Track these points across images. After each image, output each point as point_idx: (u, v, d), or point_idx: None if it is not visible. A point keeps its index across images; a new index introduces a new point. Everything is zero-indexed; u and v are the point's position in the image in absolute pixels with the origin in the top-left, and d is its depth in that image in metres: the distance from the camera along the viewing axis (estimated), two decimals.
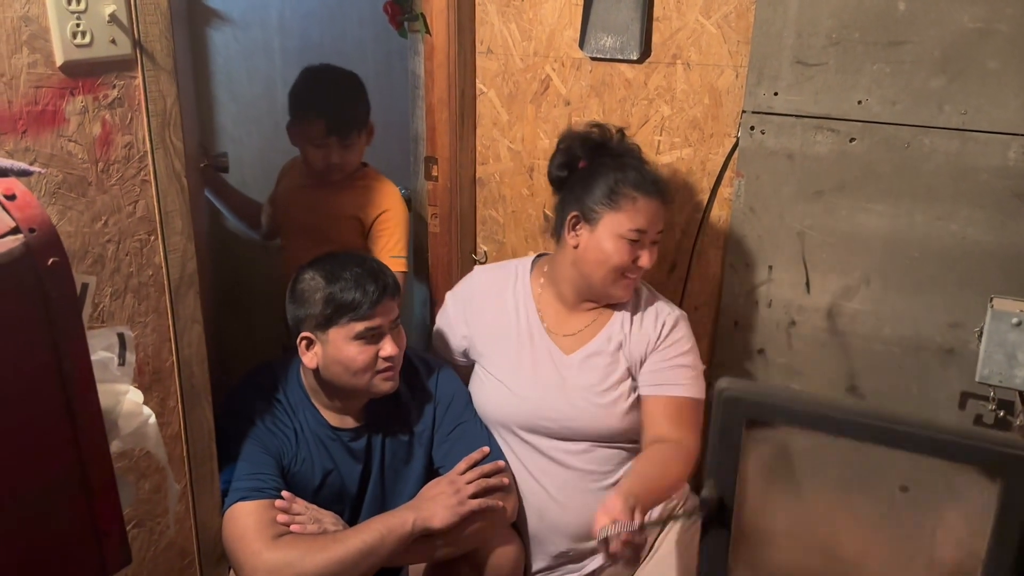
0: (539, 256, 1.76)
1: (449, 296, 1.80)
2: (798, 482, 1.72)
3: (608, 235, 1.54)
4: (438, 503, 1.49)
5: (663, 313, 1.63)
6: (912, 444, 0.98)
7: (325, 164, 1.96)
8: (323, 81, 1.99)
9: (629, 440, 1.62)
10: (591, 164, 1.60)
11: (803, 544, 1.50)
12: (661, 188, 1.57)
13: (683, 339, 1.61)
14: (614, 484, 1.59)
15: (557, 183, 1.67)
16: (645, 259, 1.55)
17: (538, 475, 1.62)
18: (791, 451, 1.70)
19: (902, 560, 1.66)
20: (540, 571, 1.67)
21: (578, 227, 1.58)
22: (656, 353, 1.59)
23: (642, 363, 1.60)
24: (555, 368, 1.62)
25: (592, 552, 1.63)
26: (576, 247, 1.59)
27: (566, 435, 1.60)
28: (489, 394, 1.66)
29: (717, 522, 1.03)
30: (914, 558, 1.67)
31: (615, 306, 1.65)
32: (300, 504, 1.49)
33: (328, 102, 1.93)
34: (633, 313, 1.64)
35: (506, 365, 1.65)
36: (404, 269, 1.97)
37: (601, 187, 1.55)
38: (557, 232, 1.64)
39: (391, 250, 1.96)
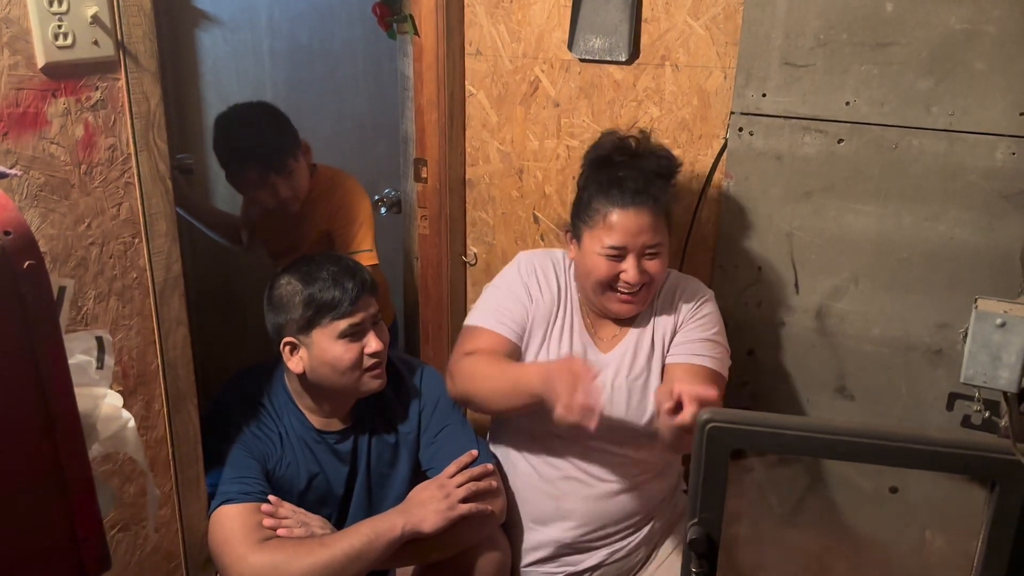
0: None
1: (523, 259, 1.65)
2: (787, 503, 1.72)
3: (589, 251, 1.51)
4: (428, 508, 1.48)
5: (691, 292, 1.62)
6: (905, 459, 0.97)
7: (277, 201, 1.93)
8: (238, 125, 1.94)
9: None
10: (589, 177, 1.56)
11: (795, 568, 1.50)
12: (646, 198, 1.47)
13: (712, 316, 1.60)
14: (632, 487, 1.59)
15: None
16: (629, 274, 1.48)
17: (562, 477, 1.59)
18: (778, 475, 1.70)
19: (894, 563, 1.66)
20: (536, 562, 1.64)
21: (571, 242, 1.58)
22: (685, 326, 1.58)
23: (672, 337, 1.59)
24: (592, 364, 1.56)
25: (592, 547, 1.62)
26: (574, 259, 1.59)
27: (603, 440, 1.56)
28: None
29: (705, 563, 1.01)
30: (906, 559, 1.67)
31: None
32: (287, 508, 1.48)
33: (252, 144, 1.89)
34: (667, 304, 1.61)
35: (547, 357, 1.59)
36: (369, 262, 1.91)
37: (583, 202, 1.53)
38: None
39: (347, 247, 1.93)
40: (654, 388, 1.57)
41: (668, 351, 1.59)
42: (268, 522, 1.43)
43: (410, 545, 1.48)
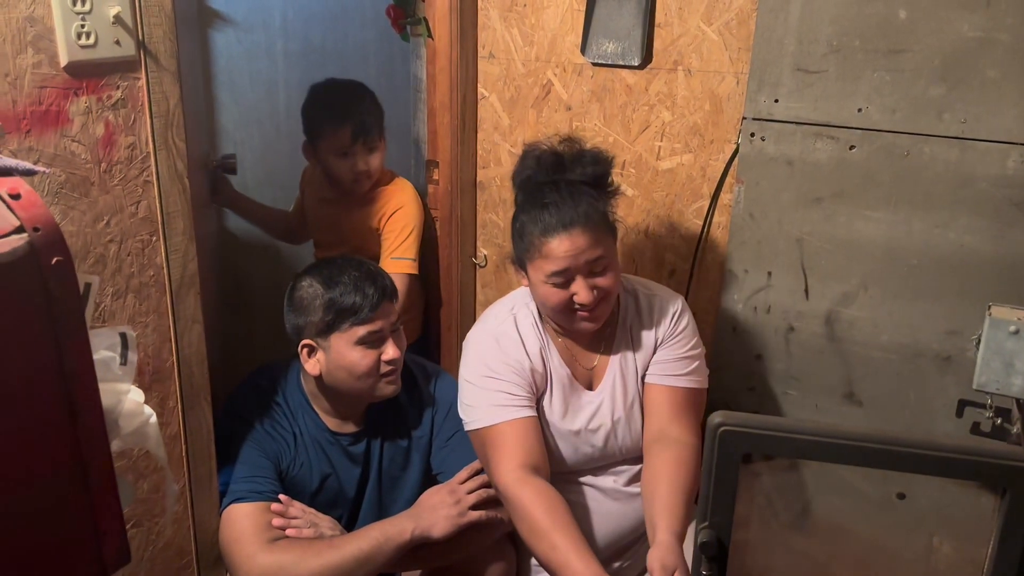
0: None
1: (483, 339, 1.56)
2: (795, 508, 1.72)
3: (536, 282, 1.47)
4: (438, 513, 1.48)
5: (666, 305, 1.59)
6: (915, 465, 0.97)
7: (352, 174, 1.95)
8: (339, 91, 1.99)
9: None
10: (520, 204, 1.52)
11: (802, 573, 1.50)
12: (576, 219, 1.42)
13: (688, 329, 1.59)
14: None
15: None
16: (581, 295, 1.43)
17: (582, 503, 1.58)
18: (787, 479, 1.70)
19: (901, 569, 1.66)
20: None
21: (518, 272, 1.54)
22: (666, 345, 1.57)
23: (653, 355, 1.57)
24: (585, 411, 1.57)
25: (607, 561, 1.60)
26: (527, 286, 1.55)
27: (608, 464, 1.57)
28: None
29: (715, 566, 1.02)
30: (913, 566, 1.68)
31: (613, 323, 1.59)
32: (297, 508, 1.49)
33: (349, 109, 1.93)
34: (636, 323, 1.59)
35: (543, 418, 1.56)
36: (407, 271, 1.93)
37: (515, 234, 1.49)
38: None
39: (394, 251, 1.94)
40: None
41: (648, 368, 1.58)
42: (277, 522, 1.44)
43: (418, 550, 1.48)
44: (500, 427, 1.47)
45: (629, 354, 1.58)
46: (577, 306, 1.46)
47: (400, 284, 1.86)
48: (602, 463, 1.59)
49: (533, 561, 1.63)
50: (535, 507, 1.38)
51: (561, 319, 1.51)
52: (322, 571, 1.39)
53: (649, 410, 1.57)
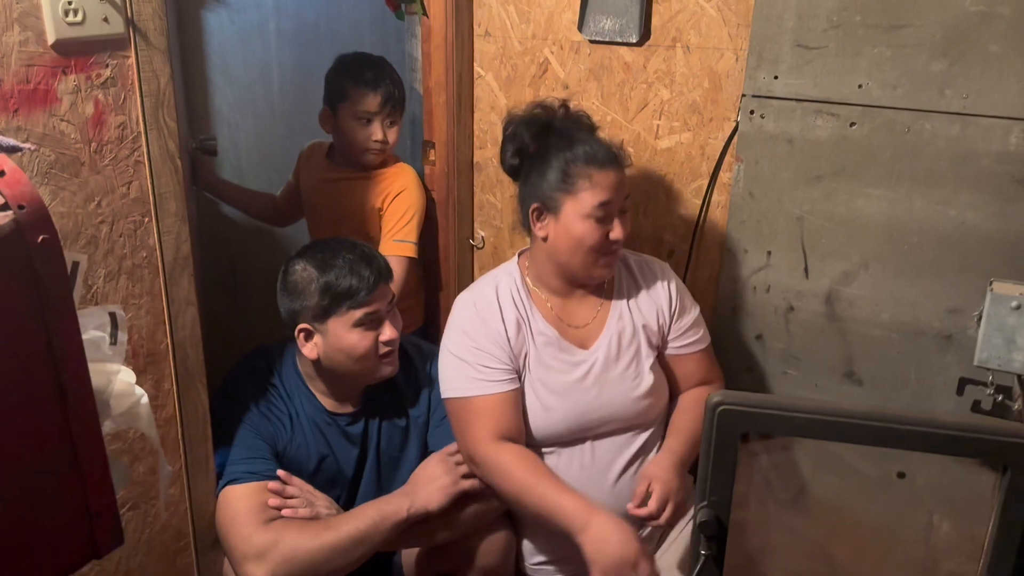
0: (520, 253, 1.68)
1: (465, 304, 1.60)
2: (794, 487, 1.72)
3: (574, 219, 1.49)
4: (432, 486, 1.49)
5: (657, 270, 1.66)
6: (915, 442, 0.97)
7: (369, 142, 1.94)
8: (371, 61, 1.98)
9: (657, 414, 1.63)
10: (540, 148, 1.55)
11: (801, 553, 1.50)
12: (614, 155, 1.52)
13: (685, 294, 1.66)
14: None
15: (513, 172, 1.61)
16: (617, 231, 1.50)
17: (577, 477, 1.56)
18: (785, 458, 1.70)
19: (900, 548, 1.66)
20: (549, 562, 1.63)
21: (543, 218, 1.53)
22: (675, 319, 1.63)
23: (664, 331, 1.63)
24: (579, 368, 1.56)
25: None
26: (546, 238, 1.54)
27: (605, 431, 1.57)
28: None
29: (714, 545, 1.01)
30: (912, 544, 1.67)
31: (610, 286, 1.62)
32: (296, 484, 1.48)
33: (380, 77, 1.93)
34: (632, 285, 1.62)
35: (532, 379, 1.57)
36: (409, 254, 1.91)
37: (554, 172, 1.51)
38: (525, 225, 1.59)
39: (394, 234, 1.92)
40: (646, 368, 1.59)
41: (665, 341, 1.63)
42: (273, 501, 1.43)
43: (415, 527, 1.48)
44: (477, 400, 1.51)
45: (627, 317, 1.60)
46: (609, 244, 1.51)
47: (400, 267, 1.85)
48: (595, 428, 1.57)
49: (527, 545, 1.64)
50: (516, 466, 1.46)
51: (589, 261, 1.53)
52: (318, 551, 1.39)
53: (679, 377, 1.67)
